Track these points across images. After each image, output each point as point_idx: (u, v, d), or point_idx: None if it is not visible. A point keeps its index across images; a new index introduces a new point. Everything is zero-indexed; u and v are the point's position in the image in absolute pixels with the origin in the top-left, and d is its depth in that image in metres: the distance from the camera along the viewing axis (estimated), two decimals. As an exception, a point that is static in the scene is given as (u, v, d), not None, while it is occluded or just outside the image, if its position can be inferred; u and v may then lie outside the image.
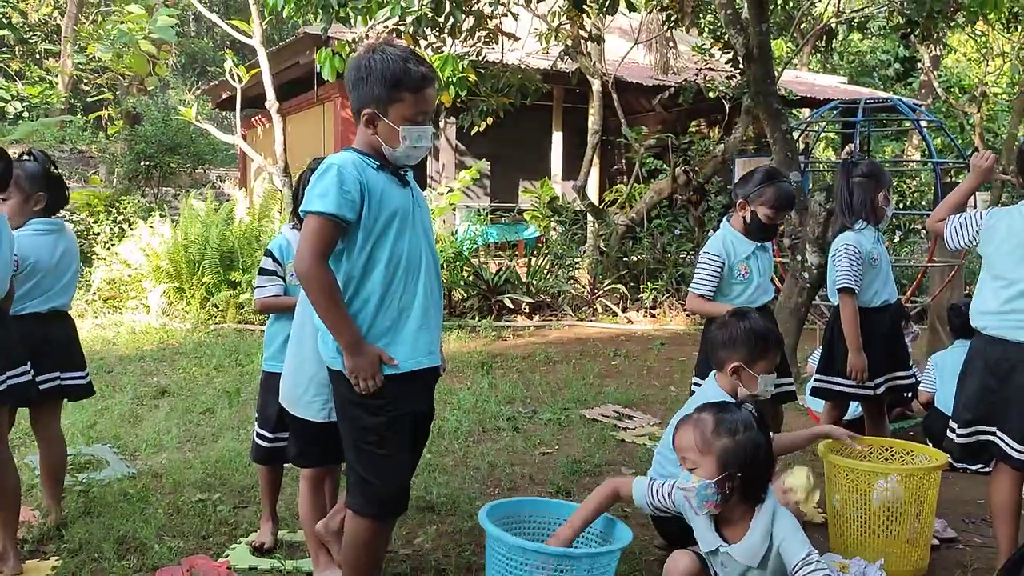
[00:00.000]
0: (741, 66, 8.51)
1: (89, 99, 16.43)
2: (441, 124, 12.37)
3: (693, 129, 16.12)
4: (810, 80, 15.75)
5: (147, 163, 14.24)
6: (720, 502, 2.50)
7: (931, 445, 4.77)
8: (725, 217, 4.04)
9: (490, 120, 9.29)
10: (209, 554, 3.36)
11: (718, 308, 3.70)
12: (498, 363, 7.51)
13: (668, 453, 3.01)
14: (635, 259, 11.08)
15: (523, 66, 9.48)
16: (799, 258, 6.68)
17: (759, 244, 3.92)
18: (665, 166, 11.85)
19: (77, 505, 3.82)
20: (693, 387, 3.93)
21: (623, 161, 15.05)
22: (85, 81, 17.16)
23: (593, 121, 11.47)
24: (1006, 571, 2.53)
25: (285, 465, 3.52)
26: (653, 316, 10.41)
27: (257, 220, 9.69)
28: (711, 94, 11.42)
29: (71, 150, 21.93)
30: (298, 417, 2.98)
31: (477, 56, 8.84)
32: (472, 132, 10.10)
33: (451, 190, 10.61)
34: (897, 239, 13.43)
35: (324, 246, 2.45)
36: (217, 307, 9.09)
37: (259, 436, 3.39)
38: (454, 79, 7.50)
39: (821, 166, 13.91)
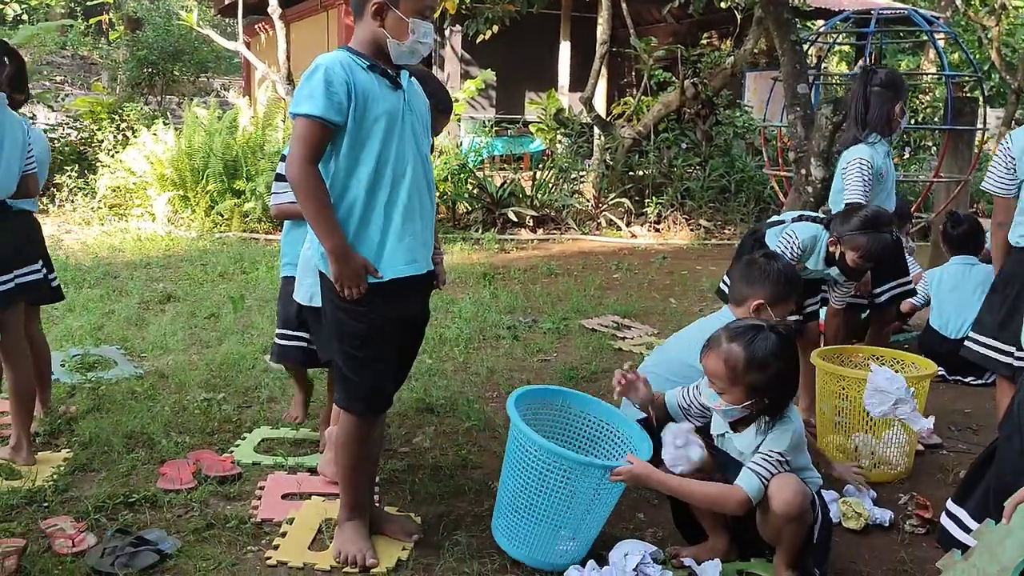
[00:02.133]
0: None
1: (89, 3, 16.14)
2: (446, 32, 12.13)
3: (705, 41, 15.80)
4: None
5: (149, 70, 14.07)
6: (742, 417, 2.58)
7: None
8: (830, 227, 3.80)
9: (495, 28, 9.10)
10: (214, 449, 3.48)
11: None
12: (500, 275, 7.57)
13: (667, 375, 3.03)
14: (641, 173, 11.02)
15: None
16: (803, 172, 6.64)
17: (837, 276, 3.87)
18: (674, 79, 11.67)
19: (87, 402, 3.93)
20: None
21: (632, 73, 14.79)
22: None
23: (601, 31, 11.24)
24: (974, 468, 2.61)
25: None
26: (657, 231, 10.41)
27: (261, 129, 9.62)
28: (723, 4, 11.16)
29: (73, 56, 21.66)
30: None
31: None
32: (477, 41, 9.93)
33: (455, 100, 10.48)
34: (907, 155, 13.30)
35: (312, 149, 2.44)
36: (222, 215, 9.12)
37: (278, 336, 3.47)
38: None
39: (834, 79, 13.69)
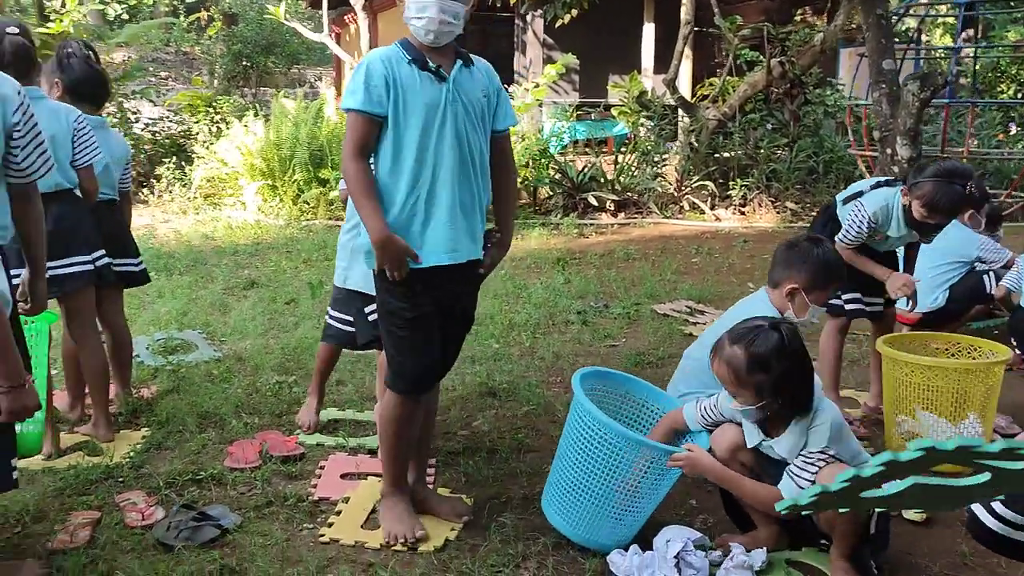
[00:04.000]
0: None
1: (187, 0, 16.82)
2: (528, 17, 12.11)
3: (798, 18, 15.30)
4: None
5: (244, 63, 14.55)
6: (763, 418, 2.56)
7: (1016, 344, 4.65)
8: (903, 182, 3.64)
9: (575, 12, 9.04)
10: (281, 431, 3.62)
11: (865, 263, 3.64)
12: (576, 260, 7.57)
13: (696, 367, 3.01)
14: (726, 155, 10.80)
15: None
16: (888, 151, 6.41)
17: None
18: (762, 58, 11.37)
19: (167, 383, 4.14)
20: None
21: (723, 54, 14.49)
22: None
23: (685, 11, 11.04)
24: None
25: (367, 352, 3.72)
26: (742, 214, 10.20)
27: (345, 119, 9.83)
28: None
29: (176, 52, 22.56)
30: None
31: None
32: (557, 25, 9.89)
33: (536, 85, 10.47)
34: (1013, 131, 12.63)
35: (359, 141, 2.54)
36: (308, 204, 9.39)
37: (329, 316, 3.58)
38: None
39: (937, 54, 13.08)
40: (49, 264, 3.13)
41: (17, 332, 2.29)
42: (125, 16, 10.32)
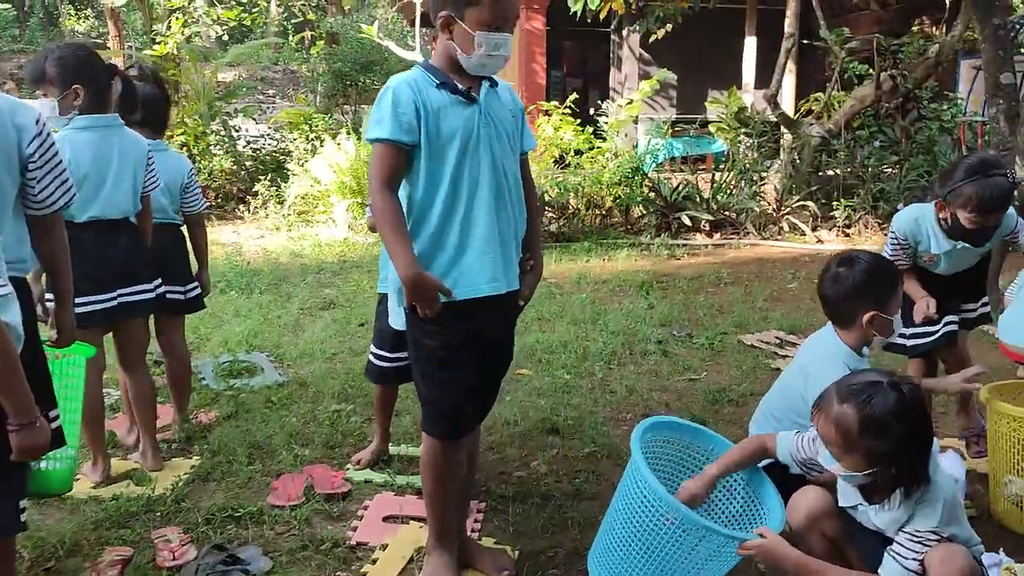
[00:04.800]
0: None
1: (295, 20, 17.31)
2: (624, 32, 11.86)
3: (916, 28, 14.50)
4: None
5: (344, 81, 14.79)
6: (877, 486, 2.24)
7: None
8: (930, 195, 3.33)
9: (669, 27, 8.76)
10: (332, 464, 3.49)
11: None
12: (663, 283, 7.26)
13: (778, 413, 2.72)
14: (829, 174, 10.27)
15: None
16: (1008, 172, 5.87)
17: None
18: (872, 71, 10.78)
19: (226, 408, 4.08)
20: None
21: (830, 67, 13.88)
22: (292, 3, 18.08)
23: (788, 23, 10.57)
24: None
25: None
26: (847, 235, 9.65)
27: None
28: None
29: (284, 71, 23.28)
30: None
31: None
32: (652, 40, 9.62)
33: (630, 102, 10.22)
34: None
35: (388, 173, 2.39)
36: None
37: (373, 355, 3.43)
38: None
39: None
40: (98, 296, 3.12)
41: (39, 366, 2.21)
42: (225, 37, 10.60)
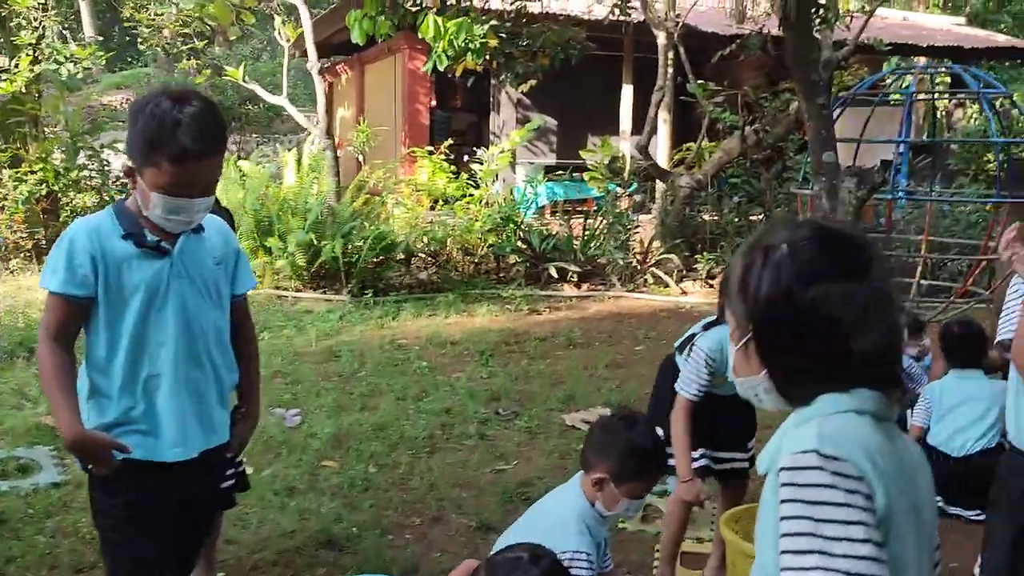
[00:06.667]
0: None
1: (174, 51, 16.83)
2: (502, 76, 11.88)
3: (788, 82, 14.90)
4: (919, 22, 14.27)
5: (227, 115, 14.45)
6: None
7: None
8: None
9: (532, 82, 8.78)
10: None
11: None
12: (512, 345, 7.20)
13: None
14: (695, 225, 10.44)
15: (569, 16, 8.85)
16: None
17: None
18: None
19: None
20: None
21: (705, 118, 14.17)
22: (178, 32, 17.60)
23: (660, 75, 10.73)
24: None
25: None
26: (710, 287, 9.79)
27: (300, 185, 9.61)
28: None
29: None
30: None
31: (518, 12, 8.35)
32: (529, 88, 9.61)
33: (502, 151, 10.20)
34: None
35: (57, 326, 2.23)
36: (254, 272, 9.09)
37: None
38: (472, 46, 7.07)
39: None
40: None
41: None
42: (79, 75, 10.14)
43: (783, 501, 1.24)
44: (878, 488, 1.22)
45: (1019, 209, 6.59)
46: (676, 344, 3.41)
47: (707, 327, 3.23)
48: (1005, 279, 6.54)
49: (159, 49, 20.40)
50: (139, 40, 18.12)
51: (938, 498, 4.09)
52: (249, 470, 4.33)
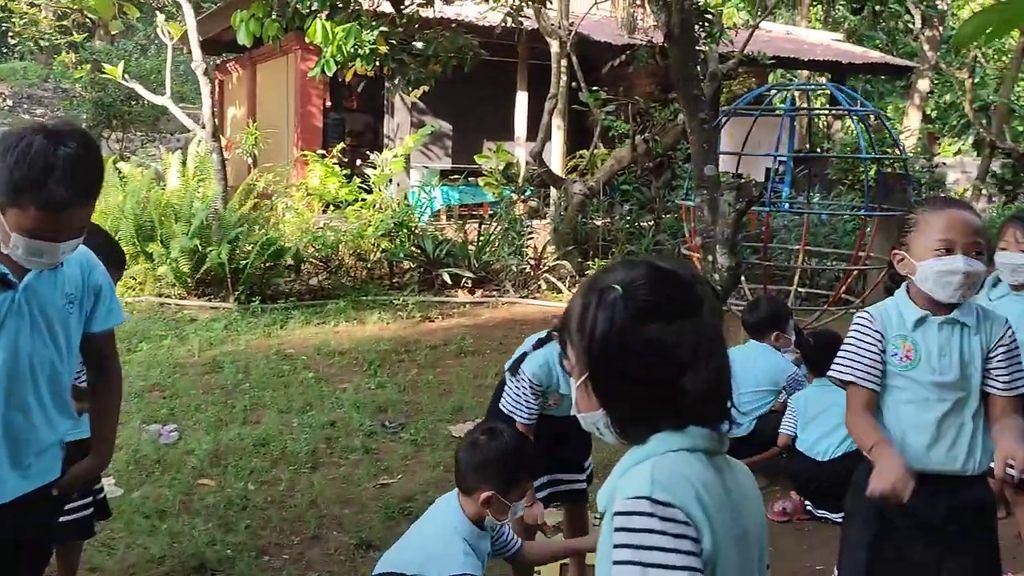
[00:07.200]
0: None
1: (54, 42, 16.05)
2: (395, 81, 11.80)
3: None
4: (801, 37, 14.88)
5: (109, 112, 13.87)
6: None
7: (795, 486, 4.42)
8: None
9: (425, 88, 8.74)
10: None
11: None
12: (403, 354, 7.14)
13: None
14: (588, 232, 10.60)
15: (463, 22, 8.85)
16: (710, 258, 6.19)
17: None
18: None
19: None
20: None
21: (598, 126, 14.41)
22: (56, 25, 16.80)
23: (553, 83, 10.86)
24: None
25: None
26: (602, 293, 9.95)
27: (184, 189, 9.29)
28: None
29: (56, 88, 21.53)
30: None
31: (411, 17, 8.28)
32: (414, 94, 9.57)
33: (396, 156, 10.12)
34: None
35: None
36: (134, 279, 8.77)
37: None
38: (362, 51, 6.98)
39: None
40: None
41: None
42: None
43: (616, 546, 1.27)
44: (705, 531, 1.27)
45: (886, 222, 6.95)
46: (507, 365, 3.27)
47: (537, 345, 3.18)
48: (875, 287, 6.89)
49: (31, 43, 19.49)
50: (11, 34, 17.26)
51: (807, 502, 4.32)
52: (119, 492, 4.23)
